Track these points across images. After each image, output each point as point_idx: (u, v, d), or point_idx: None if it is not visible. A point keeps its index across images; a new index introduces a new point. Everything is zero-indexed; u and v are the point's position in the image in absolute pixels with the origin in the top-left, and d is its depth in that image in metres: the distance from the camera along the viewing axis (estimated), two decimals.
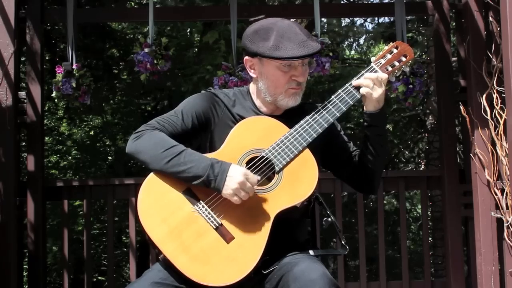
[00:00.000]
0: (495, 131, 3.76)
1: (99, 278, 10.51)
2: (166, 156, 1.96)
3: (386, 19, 9.20)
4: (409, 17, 7.53)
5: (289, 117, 2.10)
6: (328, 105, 2.09)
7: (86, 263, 4.40)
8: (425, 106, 8.98)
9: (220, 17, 5.29)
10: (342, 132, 2.23)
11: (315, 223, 2.30)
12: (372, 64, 2.13)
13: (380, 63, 2.14)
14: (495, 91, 3.77)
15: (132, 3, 8.92)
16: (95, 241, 9.92)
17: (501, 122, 3.70)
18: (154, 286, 1.91)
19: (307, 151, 2.03)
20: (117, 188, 4.38)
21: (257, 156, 2.01)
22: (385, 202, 10.71)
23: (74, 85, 3.98)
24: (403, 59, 2.17)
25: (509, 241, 3.64)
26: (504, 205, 3.69)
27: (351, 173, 2.20)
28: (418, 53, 8.81)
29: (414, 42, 8.90)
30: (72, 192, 4.42)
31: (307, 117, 2.06)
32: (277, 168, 2.00)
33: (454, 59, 5.81)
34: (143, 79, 4.14)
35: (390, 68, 2.15)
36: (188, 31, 8.78)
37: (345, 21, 9.85)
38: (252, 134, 2.04)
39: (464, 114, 3.97)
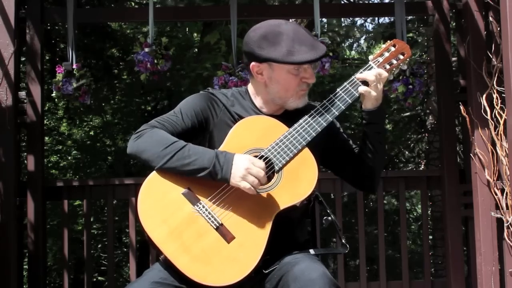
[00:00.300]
0: (495, 131, 3.76)
1: (99, 278, 10.52)
2: (170, 152, 1.96)
3: (386, 19, 9.21)
4: (409, 17, 7.53)
5: (289, 116, 2.10)
6: (327, 104, 2.09)
7: (86, 263, 4.40)
8: (425, 106, 8.99)
9: (220, 17, 5.28)
10: (341, 130, 2.24)
11: (315, 222, 2.30)
12: (370, 62, 2.14)
13: (378, 61, 2.14)
14: (495, 91, 3.77)
15: (132, 3, 8.92)
16: (95, 241, 9.93)
17: (501, 122, 3.71)
18: (154, 286, 1.90)
19: (307, 150, 2.03)
20: (117, 188, 4.38)
21: (257, 156, 2.01)
22: (385, 202, 10.71)
23: (74, 85, 3.98)
24: (401, 57, 2.17)
25: (509, 241, 3.64)
26: (504, 205, 3.69)
27: (351, 171, 2.20)
28: (418, 53, 8.81)
29: (414, 42, 8.90)
30: (72, 192, 4.42)
31: (306, 116, 2.06)
32: (276, 168, 2.00)
33: (454, 59, 5.81)
34: (143, 79, 4.14)
35: (388, 66, 2.15)
36: (187, 30, 8.77)
37: (346, 22, 9.86)
38: (251, 133, 2.04)
39: (464, 114, 3.97)
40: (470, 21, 3.95)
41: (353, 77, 2.12)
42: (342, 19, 9.37)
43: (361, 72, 2.11)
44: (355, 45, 11.46)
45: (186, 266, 1.90)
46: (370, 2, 9.84)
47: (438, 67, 4.38)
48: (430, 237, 8.38)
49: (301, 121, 2.06)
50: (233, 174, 1.92)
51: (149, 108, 9.92)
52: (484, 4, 3.91)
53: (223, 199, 1.97)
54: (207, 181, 1.96)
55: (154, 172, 2.00)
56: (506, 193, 3.69)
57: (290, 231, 2.10)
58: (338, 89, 2.12)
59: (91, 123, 10.56)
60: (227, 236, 1.93)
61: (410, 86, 4.01)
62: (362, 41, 11.09)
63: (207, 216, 1.95)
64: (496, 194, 3.74)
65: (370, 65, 2.13)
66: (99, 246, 10.39)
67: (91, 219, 5.72)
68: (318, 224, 2.71)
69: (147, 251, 4.50)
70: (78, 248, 8.03)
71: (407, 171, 9.84)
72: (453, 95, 4.31)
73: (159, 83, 7.53)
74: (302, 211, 2.13)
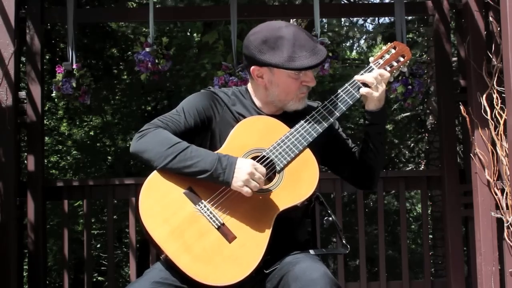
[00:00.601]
0: (495, 131, 3.76)
1: (99, 278, 10.52)
2: (172, 153, 1.96)
3: (386, 19, 9.21)
4: (409, 17, 7.53)
5: (289, 116, 2.10)
6: (328, 104, 2.09)
7: (86, 263, 4.40)
8: (425, 106, 8.99)
9: (220, 17, 5.28)
10: (340, 130, 2.24)
11: (315, 222, 2.30)
12: (371, 64, 2.14)
13: (379, 63, 2.15)
14: (495, 91, 3.77)
15: (133, 3, 8.92)
16: (95, 241, 9.93)
17: (501, 122, 3.71)
18: (155, 286, 1.90)
19: (308, 150, 2.03)
20: (117, 188, 4.38)
21: (258, 156, 2.01)
22: (385, 202, 10.71)
23: (74, 85, 3.98)
24: (401, 59, 2.18)
25: (509, 241, 3.64)
26: (504, 205, 3.69)
27: (351, 170, 2.21)
28: (418, 53, 8.81)
29: (414, 43, 8.90)
30: (72, 192, 4.42)
31: (308, 117, 2.07)
32: (278, 168, 2.01)
33: (454, 59, 5.81)
34: (143, 79, 4.14)
35: (388, 68, 2.16)
36: (189, 30, 8.78)
37: (345, 22, 9.85)
38: (252, 133, 2.04)
39: (464, 114, 3.97)
40: (470, 21, 3.95)
41: (354, 78, 2.12)
42: (342, 19, 9.36)
43: (361, 74, 2.11)
44: (355, 45, 11.45)
45: (187, 265, 1.90)
46: (370, 2, 9.84)
47: (438, 67, 4.38)
48: (430, 237, 8.38)
49: (302, 121, 2.06)
50: (235, 178, 1.93)
51: (149, 108, 9.93)
52: (484, 4, 3.91)
53: (225, 199, 1.97)
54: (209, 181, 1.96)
55: (155, 172, 2.00)
56: (506, 193, 3.69)
57: (291, 231, 2.10)
58: (339, 90, 2.12)
59: (91, 123, 10.56)
60: (229, 236, 1.93)
61: (410, 87, 4.01)
62: (362, 41, 11.09)
63: (208, 215, 1.95)
64: (496, 194, 3.74)
65: (371, 66, 2.14)
66: (99, 246, 10.39)
67: (91, 219, 5.72)
68: (318, 224, 2.71)
69: (147, 251, 4.50)
70: (78, 248, 8.03)
71: (407, 171, 9.84)
72: (453, 95, 4.31)
73: (159, 83, 7.54)
74: (302, 211, 2.13)
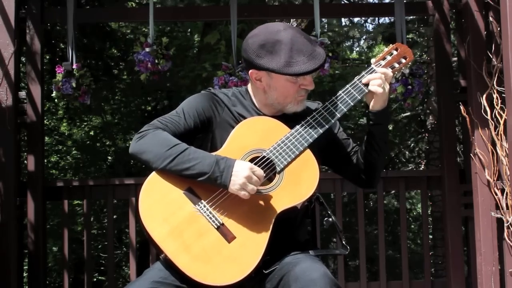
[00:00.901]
0: (495, 131, 3.76)
1: (99, 278, 10.52)
2: (170, 155, 1.96)
3: (386, 20, 9.20)
4: (409, 17, 7.52)
5: (289, 117, 2.10)
6: (329, 105, 2.09)
7: (86, 263, 4.40)
8: (425, 106, 8.99)
9: (220, 17, 5.28)
10: (341, 130, 2.24)
11: (315, 222, 2.30)
12: (373, 66, 2.14)
13: (380, 65, 2.15)
14: (495, 91, 3.77)
15: (133, 3, 8.92)
16: (95, 241, 9.93)
17: (501, 122, 3.71)
18: (155, 285, 1.91)
19: (308, 151, 2.03)
20: (117, 188, 4.38)
21: (258, 156, 2.01)
22: (385, 202, 10.71)
23: (74, 85, 3.98)
24: (403, 60, 2.18)
25: (509, 241, 3.64)
26: (504, 205, 3.69)
27: (353, 170, 2.21)
28: (418, 53, 8.81)
29: (414, 43, 8.90)
30: (72, 192, 4.42)
31: (308, 118, 2.07)
32: (278, 168, 2.01)
33: (454, 59, 5.81)
34: (143, 79, 4.14)
35: (390, 70, 2.15)
36: (189, 31, 8.78)
37: (345, 22, 9.85)
38: (253, 134, 2.04)
39: (464, 114, 3.97)
40: (470, 21, 3.95)
41: (355, 80, 2.12)
42: (342, 19, 9.36)
43: (362, 76, 2.11)
44: (355, 45, 11.45)
45: (186, 265, 1.90)
46: (370, 2, 9.84)
47: (438, 67, 4.38)
48: (430, 237, 8.38)
49: (303, 122, 2.06)
50: (233, 181, 1.93)
51: (149, 108, 9.92)
52: (484, 4, 3.91)
53: (225, 199, 1.97)
54: None
55: (155, 172, 2.00)
56: (506, 193, 3.69)
57: (291, 231, 2.10)
58: (340, 92, 2.12)
59: (91, 123, 10.56)
60: (228, 236, 1.94)
61: (409, 87, 4.01)
62: (362, 41, 11.09)
63: (208, 215, 1.95)
64: (496, 194, 3.74)
65: (372, 68, 2.13)
66: (99, 246, 10.39)
67: (91, 219, 5.71)
68: (318, 224, 2.71)
69: (147, 251, 4.50)
70: (78, 248, 8.03)
71: (407, 171, 9.84)
72: (453, 95, 4.30)
73: (159, 83, 7.53)
74: (302, 212, 2.14)
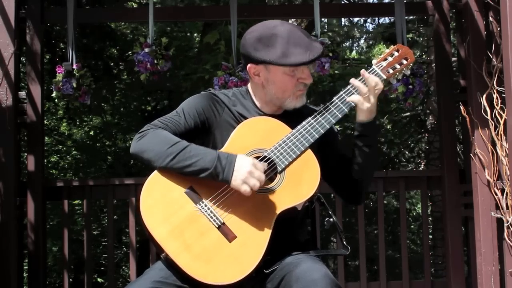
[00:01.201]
0: (495, 131, 3.76)
1: (99, 278, 10.52)
2: (172, 152, 1.96)
3: (386, 20, 9.21)
4: (409, 17, 7.53)
5: (290, 117, 2.10)
6: (330, 106, 2.09)
7: (86, 263, 4.40)
8: (425, 106, 8.99)
9: (220, 17, 5.28)
10: (338, 137, 2.23)
11: (315, 222, 2.30)
12: (374, 67, 2.14)
13: (382, 66, 2.14)
14: (495, 91, 3.77)
15: (133, 3, 8.92)
16: (95, 241, 9.92)
17: (501, 122, 3.71)
18: (156, 285, 1.90)
19: (309, 151, 2.03)
20: (117, 188, 4.38)
21: (260, 156, 2.01)
22: (385, 202, 10.71)
23: (74, 85, 3.98)
24: (404, 62, 2.17)
25: (509, 241, 3.64)
26: (504, 205, 3.69)
27: (338, 180, 2.17)
28: (418, 53, 8.81)
29: (414, 43, 8.90)
30: (72, 192, 4.42)
31: (309, 118, 2.07)
32: (279, 168, 2.01)
33: (454, 59, 5.81)
34: (143, 79, 4.14)
35: (391, 71, 2.15)
36: (187, 30, 8.77)
37: (345, 22, 9.86)
38: (254, 134, 2.04)
39: (464, 114, 3.98)
40: (470, 21, 3.95)
41: (363, 74, 2.11)
42: (342, 19, 9.37)
43: (360, 79, 2.10)
44: (355, 45, 11.46)
45: (187, 264, 1.90)
46: (370, 2, 9.84)
47: (438, 67, 4.38)
48: (430, 237, 8.38)
49: (304, 122, 2.06)
50: (235, 176, 1.92)
51: (149, 108, 9.92)
52: (484, 4, 3.91)
53: (226, 198, 1.97)
54: (209, 180, 1.96)
55: (156, 171, 2.00)
56: (506, 193, 3.69)
57: (291, 231, 2.10)
58: (341, 92, 2.12)
59: (91, 123, 10.56)
60: (229, 235, 1.93)
61: (410, 86, 4.00)
62: (362, 41, 11.10)
63: (209, 215, 1.95)
64: (496, 194, 3.74)
65: (373, 69, 2.13)
66: (99, 246, 10.39)
67: (91, 219, 5.71)
68: (319, 224, 2.71)
69: (147, 251, 4.50)
70: (78, 248, 8.02)
71: (407, 171, 9.84)
72: (453, 95, 4.31)
73: (159, 83, 7.53)
74: (303, 212, 2.13)
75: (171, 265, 1.94)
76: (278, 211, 1.96)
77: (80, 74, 4.02)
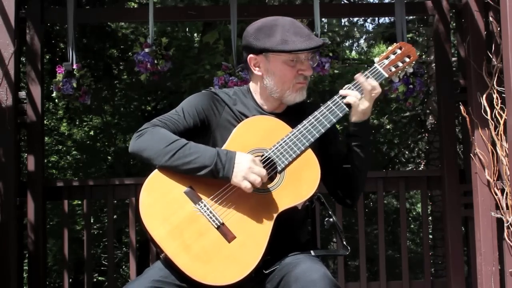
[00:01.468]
0: (495, 131, 3.76)
1: (99, 278, 10.52)
2: (171, 150, 1.96)
3: (386, 20, 9.21)
4: (409, 17, 7.52)
5: (291, 115, 2.10)
6: (331, 105, 2.08)
7: (86, 263, 4.40)
8: (425, 106, 8.99)
9: (220, 17, 5.28)
10: (339, 137, 2.22)
11: (315, 222, 2.29)
12: (376, 65, 2.14)
13: (384, 64, 2.14)
14: (495, 91, 3.77)
15: (133, 3, 8.92)
16: (95, 241, 9.93)
17: (501, 122, 3.71)
18: (155, 284, 1.90)
19: (310, 151, 2.03)
20: (117, 188, 4.38)
21: (260, 156, 2.01)
22: (385, 202, 10.71)
23: (75, 85, 3.98)
24: (407, 60, 2.17)
25: (509, 241, 3.64)
26: (504, 205, 3.69)
27: (334, 182, 2.17)
28: (418, 53, 8.80)
29: (414, 43, 8.90)
30: (72, 192, 4.42)
31: (310, 117, 2.06)
32: (279, 168, 2.00)
33: (454, 59, 5.81)
34: (143, 79, 4.14)
35: (393, 69, 2.15)
36: (187, 30, 8.77)
37: (345, 22, 9.86)
38: (254, 133, 2.04)
39: (464, 114, 3.97)
40: (470, 21, 3.95)
41: (357, 79, 2.11)
42: (342, 19, 9.36)
43: (365, 75, 2.09)
44: (355, 45, 11.45)
45: (186, 264, 1.90)
46: (370, 2, 9.84)
47: (438, 67, 4.38)
48: (430, 237, 8.38)
49: (304, 122, 2.05)
50: (235, 173, 1.92)
51: (149, 108, 9.92)
52: (484, 4, 3.91)
53: (225, 199, 1.97)
54: (209, 180, 1.96)
55: (156, 171, 2.00)
56: (506, 193, 3.69)
57: (291, 231, 2.10)
58: (340, 91, 2.12)
59: (91, 123, 10.56)
60: (228, 236, 1.93)
61: (411, 86, 4.00)
62: (362, 41, 11.09)
63: (208, 215, 1.95)
64: (496, 194, 3.74)
65: (375, 67, 2.13)
66: (99, 246, 10.39)
67: (91, 219, 5.71)
68: (318, 224, 2.70)
69: (147, 251, 4.50)
70: (78, 248, 8.02)
71: (407, 171, 9.83)
72: (453, 95, 4.31)
73: (159, 83, 7.53)
74: (303, 211, 2.12)
75: (170, 265, 1.94)
76: (278, 211, 1.96)
77: (80, 74, 4.02)
